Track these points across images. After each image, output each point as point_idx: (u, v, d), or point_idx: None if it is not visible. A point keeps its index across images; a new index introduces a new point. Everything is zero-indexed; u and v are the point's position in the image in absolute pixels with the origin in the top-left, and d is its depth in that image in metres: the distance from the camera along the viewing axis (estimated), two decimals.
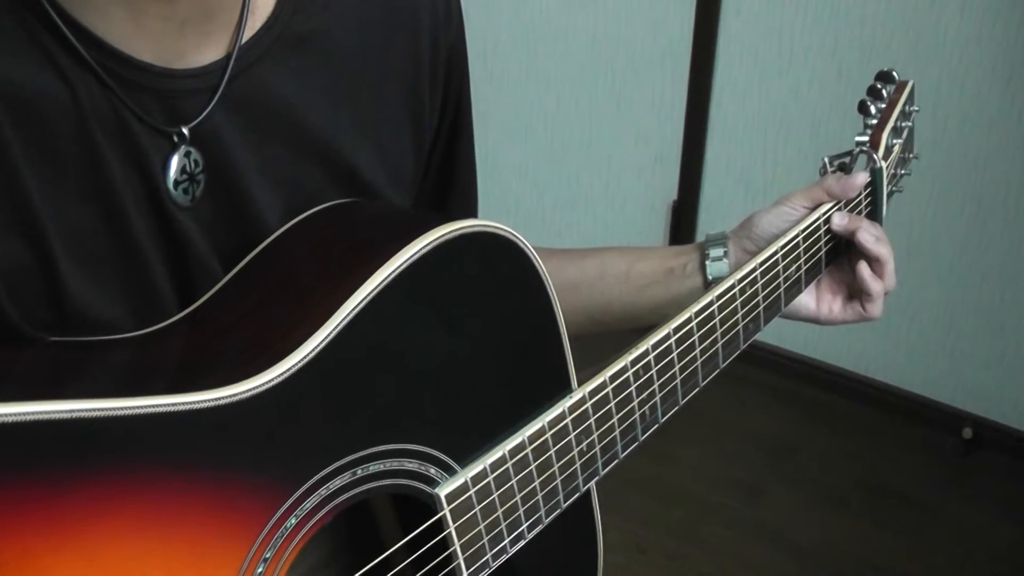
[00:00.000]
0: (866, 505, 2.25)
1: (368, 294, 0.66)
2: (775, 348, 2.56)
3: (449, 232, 0.69)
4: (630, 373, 0.80)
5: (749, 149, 2.43)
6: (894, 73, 1.05)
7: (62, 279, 0.64)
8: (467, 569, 0.73)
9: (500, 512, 0.74)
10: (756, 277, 0.90)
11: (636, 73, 2.50)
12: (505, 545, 0.75)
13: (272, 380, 0.62)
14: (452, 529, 0.71)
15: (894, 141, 1.03)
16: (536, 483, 0.76)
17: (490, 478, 0.73)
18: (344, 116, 0.76)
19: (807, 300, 0.99)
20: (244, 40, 0.69)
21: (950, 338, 2.38)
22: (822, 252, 0.97)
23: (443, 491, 0.71)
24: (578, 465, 0.79)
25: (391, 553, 0.72)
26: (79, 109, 0.63)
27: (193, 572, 0.61)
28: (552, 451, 0.77)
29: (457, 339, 0.72)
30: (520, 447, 0.74)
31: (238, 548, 0.63)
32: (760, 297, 0.92)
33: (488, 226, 0.71)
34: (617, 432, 0.81)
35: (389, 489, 0.70)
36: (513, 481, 0.74)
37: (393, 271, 0.66)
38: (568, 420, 0.77)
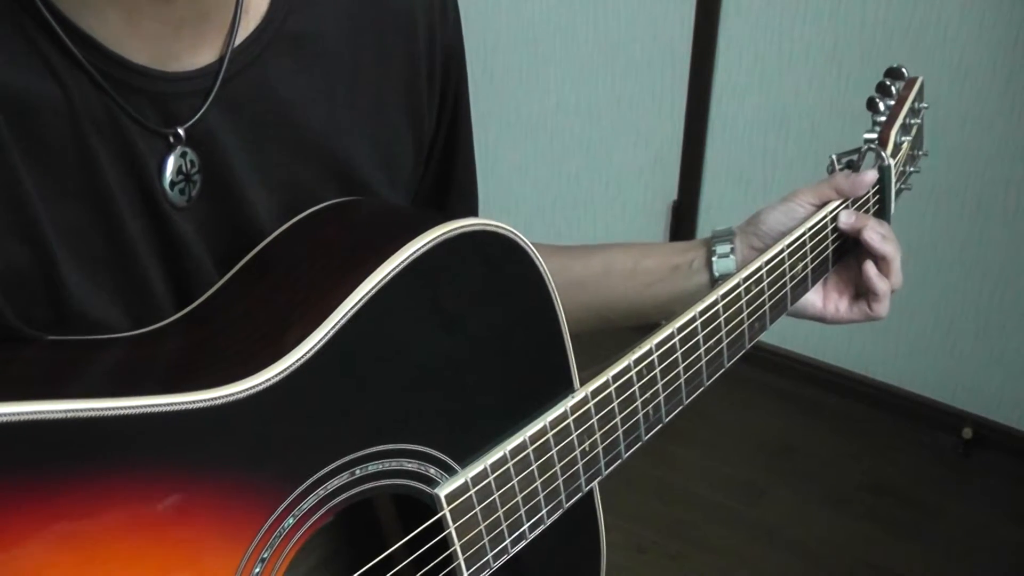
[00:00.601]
0: (866, 505, 2.25)
1: (367, 292, 0.65)
2: (775, 348, 2.56)
3: (449, 231, 0.68)
4: (633, 373, 0.80)
5: (749, 149, 2.43)
6: (903, 70, 1.04)
7: (60, 279, 0.64)
8: (467, 569, 0.73)
9: (501, 512, 0.74)
10: (762, 276, 0.90)
11: (636, 73, 2.50)
12: (506, 545, 0.75)
13: (269, 380, 0.62)
14: (452, 529, 0.71)
15: (903, 138, 1.02)
16: (538, 483, 0.76)
17: (491, 478, 0.73)
18: (340, 115, 0.75)
19: (814, 299, 0.98)
20: (238, 42, 0.69)
21: (950, 338, 2.37)
22: (829, 251, 0.97)
23: (443, 491, 0.70)
24: (580, 465, 0.79)
25: (392, 553, 0.72)
26: (72, 110, 0.62)
27: (190, 572, 0.61)
28: (554, 451, 0.76)
29: (457, 338, 0.71)
30: (521, 447, 0.74)
31: (235, 548, 0.63)
32: (766, 296, 0.91)
33: (489, 225, 0.71)
34: (620, 432, 0.81)
35: (388, 489, 0.69)
36: (514, 481, 0.74)
37: (392, 270, 0.66)
38: (570, 420, 0.77)
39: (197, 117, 0.67)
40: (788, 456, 2.38)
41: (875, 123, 1.01)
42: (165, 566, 0.60)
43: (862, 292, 0.98)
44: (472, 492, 0.72)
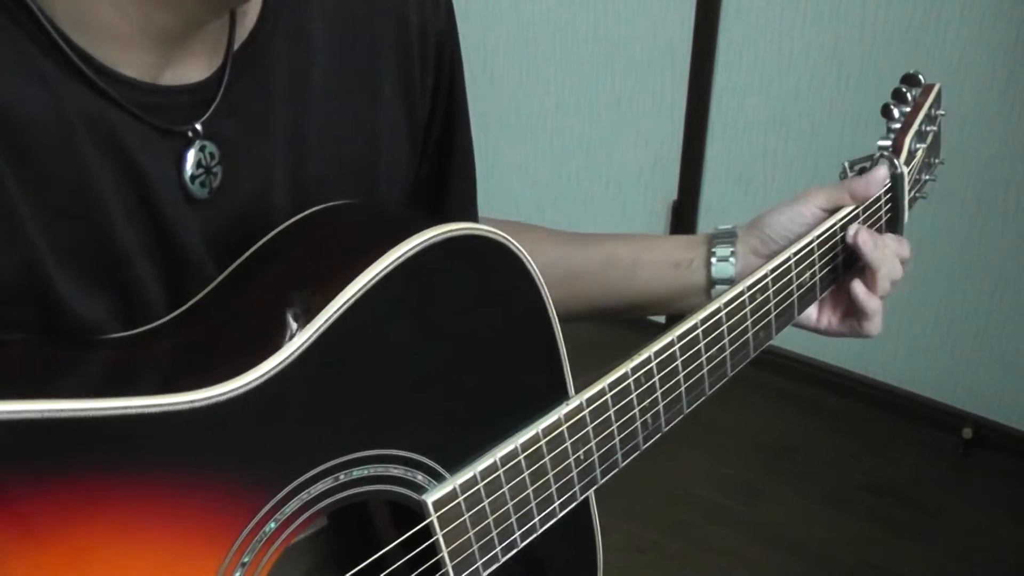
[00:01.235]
0: (866, 505, 2.25)
1: (353, 295, 0.65)
2: (775, 348, 2.54)
3: (436, 235, 0.68)
4: (631, 380, 0.79)
5: (749, 149, 2.42)
6: (920, 76, 1.01)
7: (54, 290, 0.64)
8: None
9: (491, 520, 0.74)
10: (767, 284, 0.88)
11: (636, 73, 2.50)
12: (497, 553, 0.75)
13: (252, 382, 0.62)
14: (440, 536, 0.71)
15: (918, 145, 1.00)
16: (530, 491, 0.75)
17: (480, 485, 0.72)
18: (337, 110, 0.76)
19: (810, 310, 0.97)
20: (236, 47, 0.69)
21: (950, 338, 2.37)
22: (839, 259, 0.94)
23: (430, 498, 0.70)
24: (575, 474, 0.78)
25: (385, 557, 0.71)
26: (64, 120, 0.62)
27: (169, 575, 0.60)
28: (547, 459, 0.76)
29: (446, 343, 0.71)
30: (512, 455, 0.73)
31: (216, 552, 0.62)
32: (772, 304, 0.89)
33: (478, 229, 0.70)
34: (617, 440, 0.80)
35: (374, 495, 0.69)
36: (505, 489, 0.74)
37: (377, 274, 0.65)
38: (564, 428, 0.76)
39: (207, 115, 0.68)
40: (788, 456, 2.38)
41: (890, 130, 0.99)
42: (147, 569, 0.59)
43: (853, 309, 0.96)
44: (461, 499, 0.71)
